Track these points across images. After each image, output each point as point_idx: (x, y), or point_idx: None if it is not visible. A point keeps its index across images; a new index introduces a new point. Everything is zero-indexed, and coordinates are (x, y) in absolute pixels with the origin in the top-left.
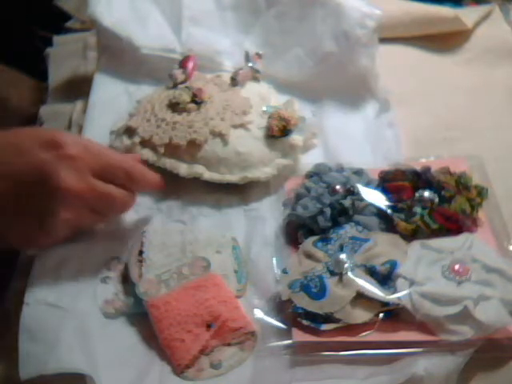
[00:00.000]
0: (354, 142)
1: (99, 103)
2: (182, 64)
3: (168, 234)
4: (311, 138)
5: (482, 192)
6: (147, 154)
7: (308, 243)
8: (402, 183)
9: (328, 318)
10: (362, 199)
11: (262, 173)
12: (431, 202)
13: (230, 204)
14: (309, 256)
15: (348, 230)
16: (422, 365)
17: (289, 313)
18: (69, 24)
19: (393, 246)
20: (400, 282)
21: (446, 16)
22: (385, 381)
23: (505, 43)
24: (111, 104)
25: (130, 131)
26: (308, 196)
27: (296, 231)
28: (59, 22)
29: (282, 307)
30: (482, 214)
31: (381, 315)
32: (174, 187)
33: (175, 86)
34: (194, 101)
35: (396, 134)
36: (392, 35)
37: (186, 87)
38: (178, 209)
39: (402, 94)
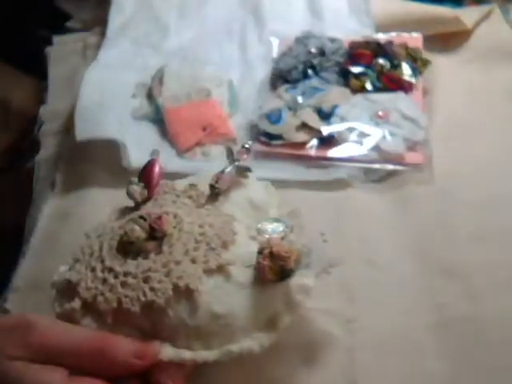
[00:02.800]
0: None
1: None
2: (143, 177)
3: (182, 71)
4: (326, 268)
5: (425, 63)
6: (90, 324)
7: (282, 89)
8: (364, 51)
9: (279, 137)
10: (328, 60)
11: (253, 341)
12: (382, 67)
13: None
14: (279, 97)
15: (312, 82)
16: (344, 172)
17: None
18: (69, 24)
19: (342, 97)
20: (335, 118)
21: (446, 16)
22: (320, 174)
23: (505, 43)
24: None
25: (69, 289)
26: (289, 54)
27: (277, 81)
28: (59, 21)
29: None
30: (422, 84)
31: (315, 140)
32: None
33: (137, 206)
34: (152, 236)
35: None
36: None
37: (141, 217)
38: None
39: None
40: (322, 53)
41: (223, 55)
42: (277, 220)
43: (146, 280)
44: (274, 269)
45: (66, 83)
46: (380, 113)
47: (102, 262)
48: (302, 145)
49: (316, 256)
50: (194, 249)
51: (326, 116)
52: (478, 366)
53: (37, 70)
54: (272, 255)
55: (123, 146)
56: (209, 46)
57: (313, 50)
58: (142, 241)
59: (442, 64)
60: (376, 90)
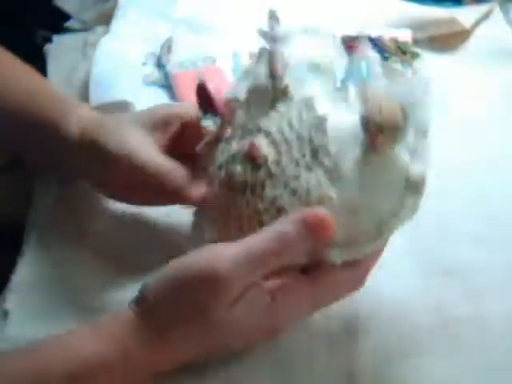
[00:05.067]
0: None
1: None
2: (204, 103)
3: (189, 41)
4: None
5: (414, 56)
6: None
7: None
8: (355, 44)
9: None
10: None
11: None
12: None
13: None
14: None
15: None
16: None
17: None
18: (69, 24)
19: None
20: None
21: (442, 18)
22: None
23: (505, 43)
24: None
25: None
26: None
27: None
28: (59, 21)
29: None
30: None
31: None
32: None
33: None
34: (251, 164)
35: None
36: None
37: (232, 155)
38: None
39: None
40: None
41: (230, 24)
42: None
43: (278, 210)
44: (383, 135)
45: (65, 81)
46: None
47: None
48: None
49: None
50: (301, 156)
51: None
52: (478, 366)
53: (37, 69)
54: (381, 122)
55: (132, 107)
56: (216, 15)
57: None
58: (249, 174)
59: (442, 64)
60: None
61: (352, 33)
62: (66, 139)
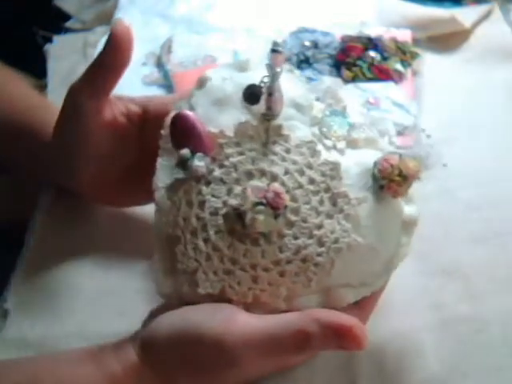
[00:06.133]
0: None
1: None
2: (188, 141)
3: (189, 41)
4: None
5: (414, 55)
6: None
7: None
8: (356, 44)
9: None
10: (321, 52)
11: (402, 249)
12: (372, 59)
13: None
14: None
15: (306, 73)
16: None
17: None
18: (69, 24)
19: (334, 85)
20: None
21: (442, 18)
22: None
23: (505, 43)
24: None
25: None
26: (284, 47)
27: None
28: (59, 21)
29: None
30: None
31: None
32: None
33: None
34: (268, 211)
35: None
36: None
37: (258, 203)
38: None
39: None
40: (315, 46)
41: (229, 23)
42: (333, 113)
43: (304, 260)
44: (404, 185)
45: (65, 81)
46: (371, 99)
47: (217, 250)
48: None
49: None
50: (320, 203)
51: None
52: (478, 366)
53: (37, 70)
54: (401, 175)
55: None
56: (215, 14)
57: (306, 43)
58: (270, 225)
59: (442, 64)
60: (367, 80)
61: (352, 33)
62: (46, 140)
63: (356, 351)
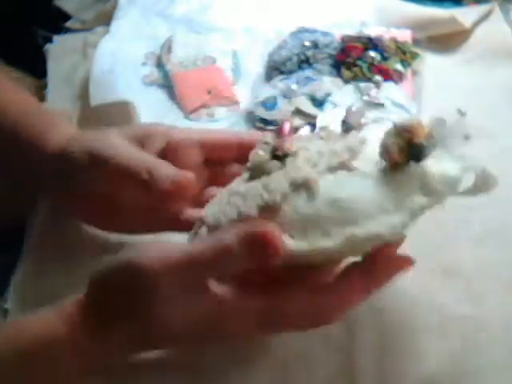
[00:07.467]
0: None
1: None
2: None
3: (189, 41)
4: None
5: (414, 56)
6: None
7: (277, 79)
8: (356, 44)
9: (274, 123)
10: (321, 52)
11: (380, 225)
12: (372, 59)
13: None
14: (274, 87)
15: (306, 72)
16: None
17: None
18: (69, 24)
19: (334, 85)
20: (327, 105)
21: (442, 18)
22: None
23: (505, 43)
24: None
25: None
26: (284, 47)
27: (272, 72)
28: (59, 21)
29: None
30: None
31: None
32: None
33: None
34: (275, 156)
35: None
36: None
37: (265, 143)
38: None
39: None
40: (315, 46)
41: (229, 23)
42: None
43: (265, 187)
44: (402, 146)
45: (65, 81)
46: (372, 93)
47: (230, 193)
48: (296, 130)
49: (451, 130)
50: (318, 157)
51: (319, 103)
52: (478, 366)
53: (37, 70)
54: (397, 132)
55: (132, 106)
56: (215, 14)
57: (306, 43)
58: (265, 162)
59: (441, 64)
60: (367, 80)
61: (352, 33)
62: (46, 155)
63: (273, 263)
